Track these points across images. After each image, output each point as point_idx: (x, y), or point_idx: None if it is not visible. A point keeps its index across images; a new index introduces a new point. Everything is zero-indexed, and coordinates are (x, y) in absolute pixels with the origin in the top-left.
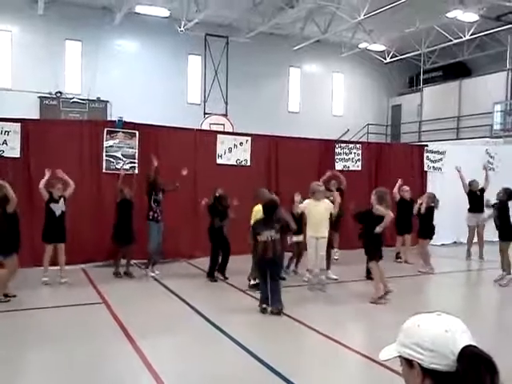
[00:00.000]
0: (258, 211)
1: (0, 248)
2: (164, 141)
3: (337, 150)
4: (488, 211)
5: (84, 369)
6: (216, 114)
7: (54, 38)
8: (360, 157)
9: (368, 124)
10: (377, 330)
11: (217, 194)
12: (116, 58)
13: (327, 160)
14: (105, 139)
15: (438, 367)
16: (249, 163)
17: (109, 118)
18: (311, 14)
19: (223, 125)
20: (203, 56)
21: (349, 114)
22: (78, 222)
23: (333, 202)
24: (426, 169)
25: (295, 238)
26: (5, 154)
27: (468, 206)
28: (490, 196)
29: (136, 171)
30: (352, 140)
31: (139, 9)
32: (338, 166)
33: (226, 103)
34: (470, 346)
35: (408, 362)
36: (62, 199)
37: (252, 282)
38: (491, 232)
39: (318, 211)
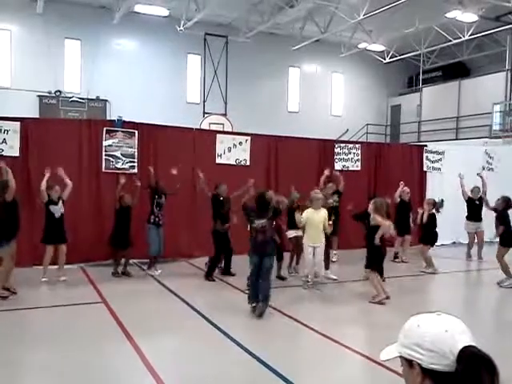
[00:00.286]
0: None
1: None
2: (163, 140)
3: (336, 150)
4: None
5: (83, 368)
6: (215, 114)
7: (54, 36)
8: (359, 157)
9: (367, 124)
10: (376, 329)
11: (221, 198)
12: (115, 57)
13: (326, 160)
14: (104, 138)
15: (437, 367)
16: (248, 163)
17: (108, 117)
18: (311, 13)
19: (222, 124)
20: (202, 55)
21: (348, 113)
22: (77, 220)
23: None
24: (425, 169)
25: (294, 233)
26: (4, 153)
27: (466, 214)
28: (490, 200)
29: (135, 171)
30: (351, 140)
31: (138, 8)
32: (338, 165)
33: (226, 103)
34: (470, 346)
35: (408, 362)
36: (60, 201)
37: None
38: (491, 232)
39: (315, 221)
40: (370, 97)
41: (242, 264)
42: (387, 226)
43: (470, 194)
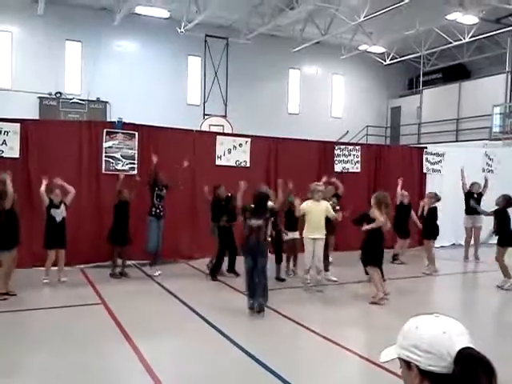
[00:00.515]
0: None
1: None
2: (163, 142)
3: (336, 152)
4: (488, 232)
5: (82, 369)
6: (215, 116)
7: (54, 38)
8: (359, 159)
9: (367, 126)
10: (376, 331)
11: (229, 194)
12: (116, 58)
13: (326, 162)
14: (104, 140)
15: (435, 369)
16: (248, 164)
17: (108, 119)
18: (311, 15)
19: (223, 126)
20: (203, 57)
21: (348, 115)
22: (76, 222)
23: (334, 208)
24: (425, 171)
25: (290, 235)
26: (4, 155)
27: (464, 208)
28: (489, 200)
29: (135, 172)
30: (351, 142)
31: (139, 10)
32: (337, 167)
33: (226, 104)
34: (468, 347)
35: (406, 364)
36: (62, 205)
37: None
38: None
39: (317, 212)
40: (370, 99)
41: (241, 264)
42: (381, 222)
43: (470, 188)
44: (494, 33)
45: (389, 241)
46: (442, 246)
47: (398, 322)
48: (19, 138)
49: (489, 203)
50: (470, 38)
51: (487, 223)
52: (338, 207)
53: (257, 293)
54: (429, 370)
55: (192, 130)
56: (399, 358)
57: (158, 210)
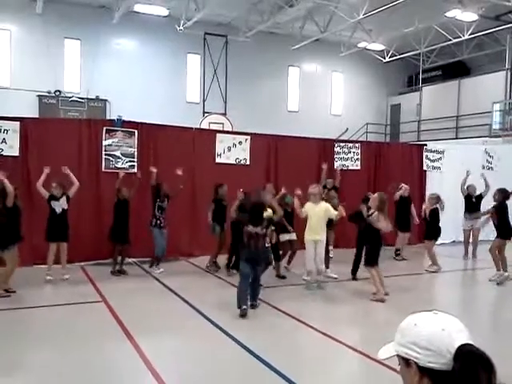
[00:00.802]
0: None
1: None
2: (163, 140)
3: (336, 150)
4: (482, 218)
5: (82, 367)
6: (215, 113)
7: (53, 36)
8: (359, 156)
9: (367, 123)
10: (376, 328)
11: (224, 203)
12: (115, 56)
13: (326, 159)
14: (104, 138)
15: (434, 366)
16: (248, 162)
17: (108, 117)
18: (310, 13)
19: (222, 124)
20: (202, 55)
21: (348, 113)
22: (77, 220)
23: (334, 207)
24: (425, 168)
25: (287, 237)
26: (4, 153)
27: (464, 210)
28: (489, 199)
29: (135, 170)
30: (351, 139)
31: (138, 7)
32: (337, 165)
33: (225, 102)
34: (467, 344)
35: (405, 361)
36: (63, 197)
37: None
38: (488, 231)
39: (316, 214)
40: (369, 96)
41: None
42: (385, 227)
43: (467, 190)
44: (494, 30)
45: (389, 238)
46: (442, 243)
47: (398, 318)
48: (19, 137)
49: (488, 203)
50: (470, 35)
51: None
52: (339, 202)
53: (253, 297)
54: (428, 366)
55: (192, 128)
56: (398, 356)
57: (158, 221)
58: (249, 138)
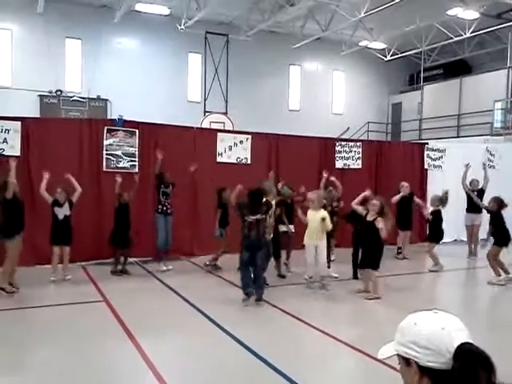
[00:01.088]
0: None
1: (2, 229)
2: (164, 139)
3: (337, 148)
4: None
5: (84, 366)
6: (216, 112)
7: (54, 36)
8: (360, 155)
9: (368, 122)
10: (376, 326)
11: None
12: (116, 56)
13: (327, 158)
14: (105, 137)
15: (434, 365)
16: (249, 161)
17: (109, 117)
18: (311, 11)
19: (223, 123)
20: (203, 54)
21: (349, 112)
22: (77, 219)
23: (335, 211)
24: (426, 167)
25: (284, 228)
26: (5, 153)
27: (466, 206)
28: (488, 198)
29: (136, 170)
30: (352, 138)
31: (139, 7)
32: (339, 164)
33: (226, 101)
34: (466, 343)
35: (405, 361)
36: (66, 203)
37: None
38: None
39: (314, 220)
40: (370, 95)
41: None
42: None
43: (469, 185)
44: (495, 28)
45: (390, 237)
46: (443, 242)
47: (399, 317)
48: (20, 137)
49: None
50: (471, 33)
51: (486, 221)
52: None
53: (256, 286)
54: (428, 366)
55: (193, 127)
56: (398, 355)
57: (164, 208)
58: (250, 137)
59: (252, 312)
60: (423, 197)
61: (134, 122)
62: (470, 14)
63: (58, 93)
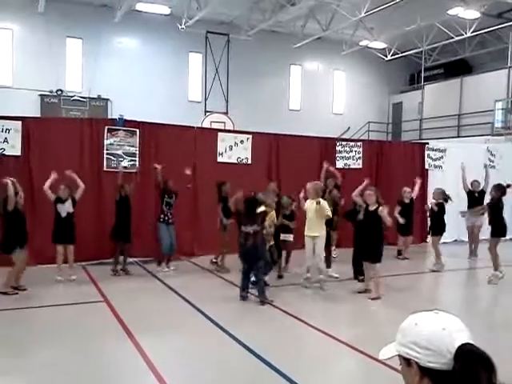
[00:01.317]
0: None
1: (2, 245)
2: (165, 139)
3: (338, 148)
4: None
5: (84, 366)
6: (217, 112)
7: (55, 35)
8: (361, 155)
9: (369, 122)
10: (377, 327)
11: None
12: (117, 55)
13: (328, 158)
14: (105, 137)
15: (435, 366)
16: (249, 161)
17: (109, 116)
18: (312, 11)
19: (224, 123)
20: (204, 54)
21: (350, 111)
22: (78, 219)
23: (336, 202)
24: (426, 167)
25: (282, 236)
26: (6, 152)
27: (467, 206)
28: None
29: (136, 169)
30: (353, 138)
31: (140, 6)
32: (339, 163)
33: (227, 101)
34: (467, 344)
35: (406, 361)
36: (69, 200)
37: (253, 279)
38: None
39: (311, 210)
40: (371, 94)
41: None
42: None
43: (470, 187)
44: (496, 27)
45: (391, 237)
46: (444, 243)
47: (400, 317)
48: (21, 136)
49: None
50: (472, 32)
51: (486, 222)
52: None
53: (258, 291)
54: (428, 366)
55: (193, 127)
56: (399, 355)
57: (166, 217)
58: (250, 136)
59: (253, 312)
60: (423, 196)
61: (135, 121)
62: (471, 13)
63: (59, 92)
